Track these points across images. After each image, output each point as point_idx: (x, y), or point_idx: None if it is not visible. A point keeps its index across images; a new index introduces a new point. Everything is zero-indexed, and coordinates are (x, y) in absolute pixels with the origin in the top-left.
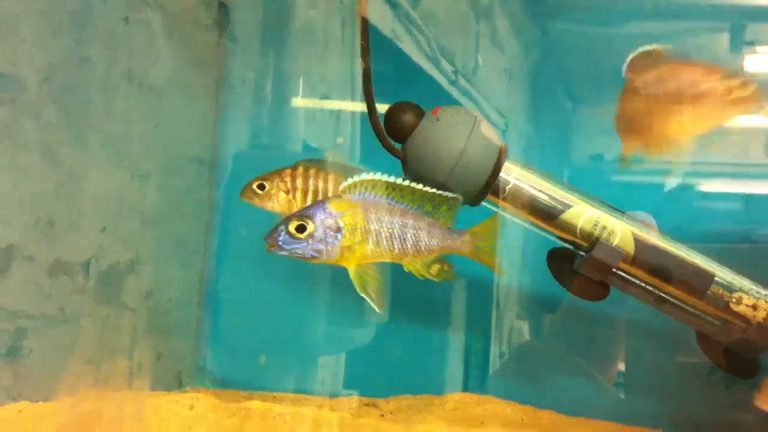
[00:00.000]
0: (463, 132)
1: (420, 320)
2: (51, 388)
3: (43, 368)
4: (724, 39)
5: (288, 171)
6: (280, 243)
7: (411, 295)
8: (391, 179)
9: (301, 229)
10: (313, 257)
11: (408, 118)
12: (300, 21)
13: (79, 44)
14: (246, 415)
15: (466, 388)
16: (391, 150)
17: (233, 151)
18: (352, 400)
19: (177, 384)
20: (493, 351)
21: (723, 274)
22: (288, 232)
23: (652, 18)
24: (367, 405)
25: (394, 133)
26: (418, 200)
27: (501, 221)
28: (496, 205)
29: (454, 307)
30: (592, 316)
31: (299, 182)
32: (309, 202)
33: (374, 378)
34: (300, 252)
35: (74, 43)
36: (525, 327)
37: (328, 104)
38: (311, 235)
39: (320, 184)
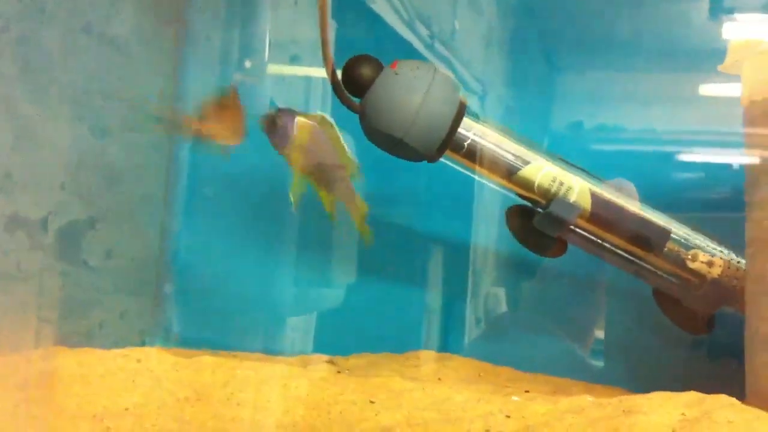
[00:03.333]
0: (421, 86)
1: (386, 279)
2: (7, 346)
3: None
4: (704, 6)
5: None
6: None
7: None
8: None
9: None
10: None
11: (366, 71)
12: None
13: None
14: (196, 369)
15: (427, 347)
16: (348, 104)
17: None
18: (310, 358)
19: (139, 343)
20: (461, 311)
21: (679, 231)
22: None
23: None
24: (325, 362)
25: (351, 87)
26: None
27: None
28: (457, 163)
29: (418, 266)
30: (563, 278)
31: None
32: None
33: (338, 338)
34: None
35: None
36: (495, 288)
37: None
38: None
39: None
